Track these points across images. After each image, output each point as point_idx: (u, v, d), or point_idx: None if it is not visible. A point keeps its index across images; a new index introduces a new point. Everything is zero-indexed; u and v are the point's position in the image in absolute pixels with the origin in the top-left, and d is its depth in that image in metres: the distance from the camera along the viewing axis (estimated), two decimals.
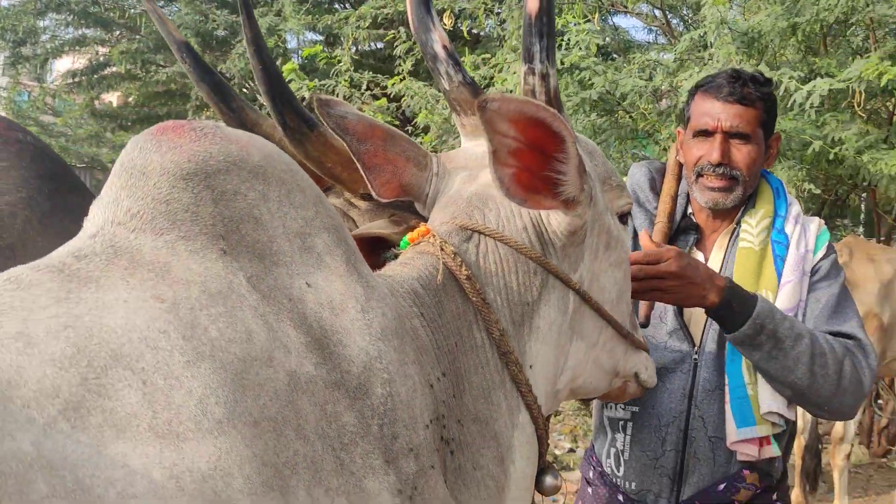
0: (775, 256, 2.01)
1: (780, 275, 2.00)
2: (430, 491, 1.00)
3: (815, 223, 2.09)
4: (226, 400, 0.81)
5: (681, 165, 2.13)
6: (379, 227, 1.45)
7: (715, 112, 2.00)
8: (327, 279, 0.99)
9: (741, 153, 2.00)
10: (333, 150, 1.45)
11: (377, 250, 1.39)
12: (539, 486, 1.32)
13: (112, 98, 17.79)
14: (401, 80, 6.68)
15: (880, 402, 7.00)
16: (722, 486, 1.98)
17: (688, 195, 2.13)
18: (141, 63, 13.81)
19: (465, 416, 1.14)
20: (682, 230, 2.11)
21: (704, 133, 2.02)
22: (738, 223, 2.07)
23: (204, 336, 0.84)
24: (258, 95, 11.63)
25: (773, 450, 1.95)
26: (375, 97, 7.15)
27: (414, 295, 1.14)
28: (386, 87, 6.86)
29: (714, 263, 2.06)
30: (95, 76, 14.37)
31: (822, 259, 2.03)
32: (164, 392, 0.78)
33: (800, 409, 5.67)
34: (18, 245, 1.22)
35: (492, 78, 5.98)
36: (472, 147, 1.43)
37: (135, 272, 0.86)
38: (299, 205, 1.01)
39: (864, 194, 6.97)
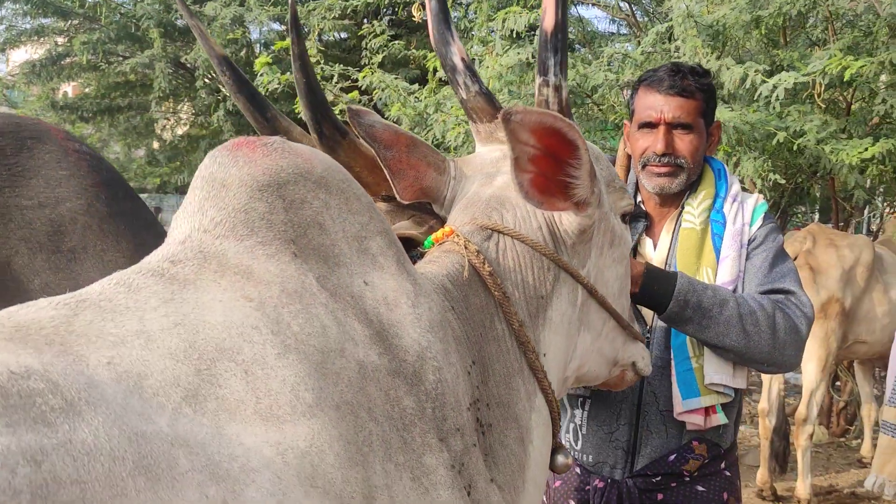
0: (713, 235, 2.12)
1: (718, 251, 2.10)
2: (473, 466, 1.11)
3: (753, 198, 2.20)
4: (313, 387, 0.91)
5: (629, 157, 2.24)
6: (406, 227, 1.56)
7: (658, 105, 2.10)
8: (382, 278, 1.10)
9: (684, 142, 2.11)
10: (361, 155, 1.56)
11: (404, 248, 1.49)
12: (552, 464, 1.44)
13: (68, 89, 17.54)
14: (371, 73, 6.71)
15: (838, 384, 7.26)
16: (672, 457, 2.09)
17: (637, 184, 2.24)
18: (102, 53, 13.70)
19: (491, 400, 1.25)
20: (632, 218, 2.22)
21: (649, 125, 2.13)
22: (683, 206, 2.17)
23: (288, 331, 0.94)
24: (221, 86, 11.52)
25: (720, 418, 2.05)
26: (345, 90, 7.18)
27: (444, 290, 1.25)
28: (357, 80, 6.89)
29: (662, 247, 2.17)
30: (54, 67, 14.19)
31: (758, 229, 2.14)
32: (262, 381, 0.88)
33: (764, 392, 5.81)
34: (79, 248, 1.30)
35: None
36: (487, 152, 1.54)
37: (224, 274, 0.96)
38: (356, 211, 1.12)
39: (821, 182, 7.18)
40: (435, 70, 6.28)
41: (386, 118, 5.47)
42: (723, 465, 2.17)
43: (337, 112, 7.01)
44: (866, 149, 4.80)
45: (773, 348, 1.96)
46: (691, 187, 2.19)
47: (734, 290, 2.06)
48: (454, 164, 1.53)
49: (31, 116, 1.39)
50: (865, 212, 10.38)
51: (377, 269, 1.11)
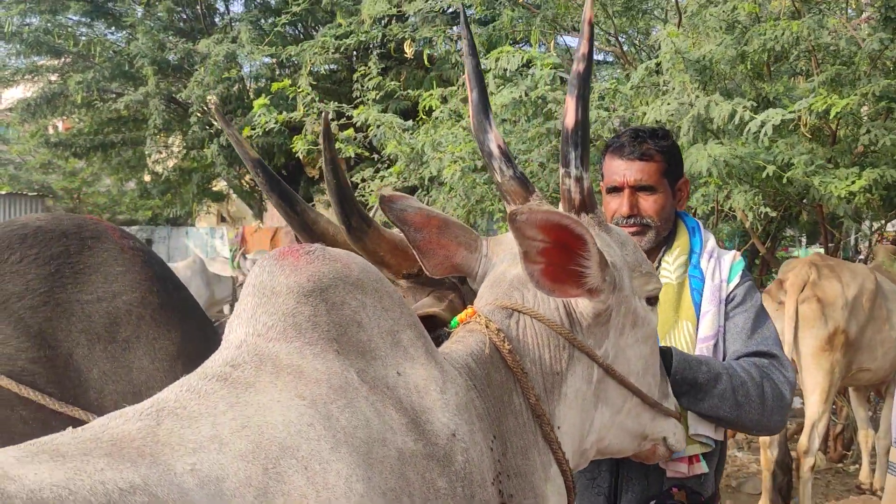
0: (692, 289, 2.21)
1: (697, 306, 2.19)
2: None
3: (730, 255, 2.30)
4: (362, 477, 1.02)
5: None
6: (428, 304, 1.66)
7: (620, 170, 2.24)
8: (413, 367, 1.21)
9: (648, 202, 2.24)
10: (385, 240, 1.67)
11: (430, 326, 1.59)
12: None
13: (58, 123, 17.69)
14: (367, 110, 6.80)
15: (833, 407, 7.34)
16: (652, 503, 2.16)
17: None
18: (97, 91, 13.88)
19: (511, 471, 1.34)
20: None
21: (615, 189, 2.27)
22: (660, 262, 2.27)
23: (337, 425, 1.05)
24: (213, 120, 11.60)
25: (703, 466, 2.12)
26: (341, 127, 7.29)
27: (468, 370, 1.35)
28: (352, 117, 7.00)
29: None
30: (48, 105, 14.35)
31: (736, 287, 2.24)
32: (320, 475, 0.99)
33: None
34: (133, 337, 1.42)
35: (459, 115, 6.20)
36: None
37: (279, 375, 1.07)
38: (388, 308, 1.24)
39: (809, 208, 7.31)
40: (430, 109, 6.43)
41: (382, 156, 5.61)
42: None
43: (336, 145, 7.05)
44: (853, 181, 4.95)
45: (761, 416, 2.04)
46: (667, 243, 2.30)
47: (715, 345, 2.16)
48: (486, 243, 1.62)
49: (91, 216, 1.52)
50: (853, 234, 10.54)
51: (408, 359, 1.22)
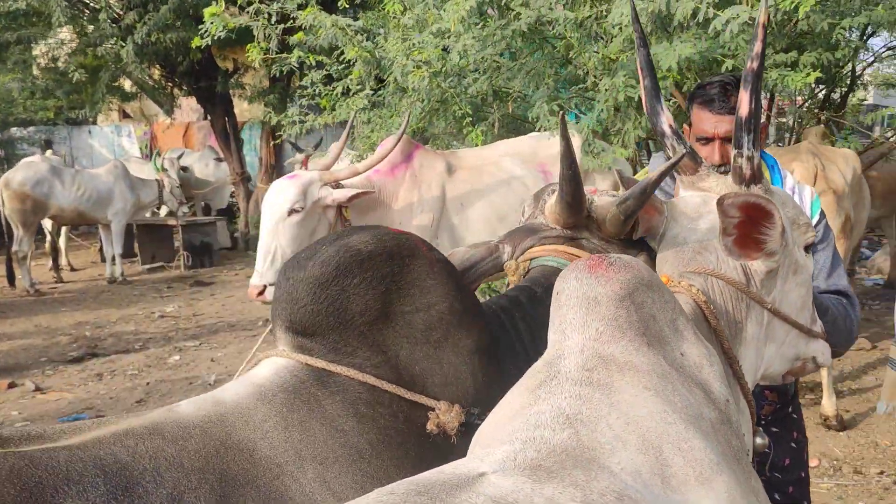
0: None
1: None
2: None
3: (808, 191, 2.63)
4: (710, 448, 1.25)
5: None
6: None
7: (711, 122, 2.51)
8: (689, 347, 1.44)
9: None
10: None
11: None
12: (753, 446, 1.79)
13: None
14: (315, 12, 6.65)
15: None
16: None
17: None
18: None
19: None
20: None
21: (705, 139, 2.54)
22: None
23: (676, 408, 1.27)
24: (119, 16, 11.00)
25: None
26: (288, 31, 7.14)
27: None
28: (296, 19, 6.85)
29: None
30: None
31: (817, 224, 2.56)
32: (689, 452, 1.22)
33: None
34: (442, 340, 1.64)
35: None
36: (690, 197, 1.86)
37: (623, 373, 1.29)
38: (667, 300, 1.45)
39: None
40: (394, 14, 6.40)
41: (333, 59, 5.54)
42: (790, 410, 2.68)
43: (294, 58, 6.87)
44: (808, 74, 5.27)
45: (840, 345, 2.40)
46: None
47: None
48: (667, 206, 1.85)
49: (402, 231, 1.72)
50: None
51: (685, 340, 1.44)
